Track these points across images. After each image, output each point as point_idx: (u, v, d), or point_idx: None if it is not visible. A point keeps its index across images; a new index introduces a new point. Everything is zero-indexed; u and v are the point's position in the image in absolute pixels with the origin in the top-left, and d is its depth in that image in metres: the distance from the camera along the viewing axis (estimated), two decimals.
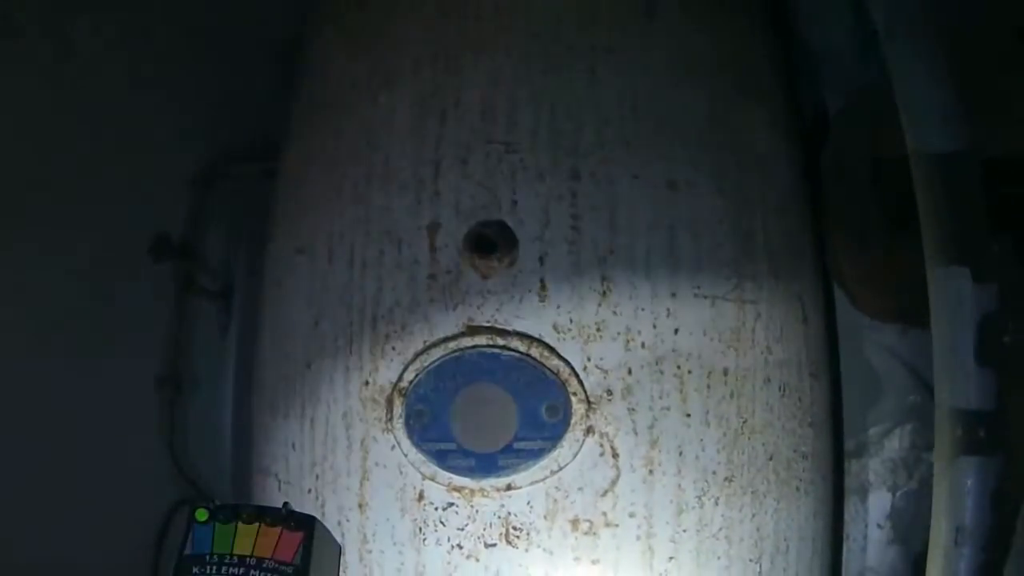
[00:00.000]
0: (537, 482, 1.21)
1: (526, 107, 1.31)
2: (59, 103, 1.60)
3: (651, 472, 1.22)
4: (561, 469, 1.21)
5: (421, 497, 1.24)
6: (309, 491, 1.31)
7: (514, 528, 1.22)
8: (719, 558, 1.24)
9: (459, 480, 1.22)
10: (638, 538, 1.22)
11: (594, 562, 1.22)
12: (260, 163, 1.75)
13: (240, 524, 1.00)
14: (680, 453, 1.23)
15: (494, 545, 1.22)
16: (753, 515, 1.27)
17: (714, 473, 1.25)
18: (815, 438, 1.37)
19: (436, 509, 1.23)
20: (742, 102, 1.40)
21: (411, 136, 1.34)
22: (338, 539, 1.23)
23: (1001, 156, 1.35)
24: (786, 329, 1.34)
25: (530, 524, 1.22)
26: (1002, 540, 1.31)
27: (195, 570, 0.98)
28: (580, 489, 1.22)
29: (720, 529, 1.25)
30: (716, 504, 1.24)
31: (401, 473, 1.25)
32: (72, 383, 1.72)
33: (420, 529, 1.24)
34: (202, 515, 1.01)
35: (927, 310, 1.42)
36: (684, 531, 1.23)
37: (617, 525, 1.22)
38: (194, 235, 1.85)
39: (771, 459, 1.29)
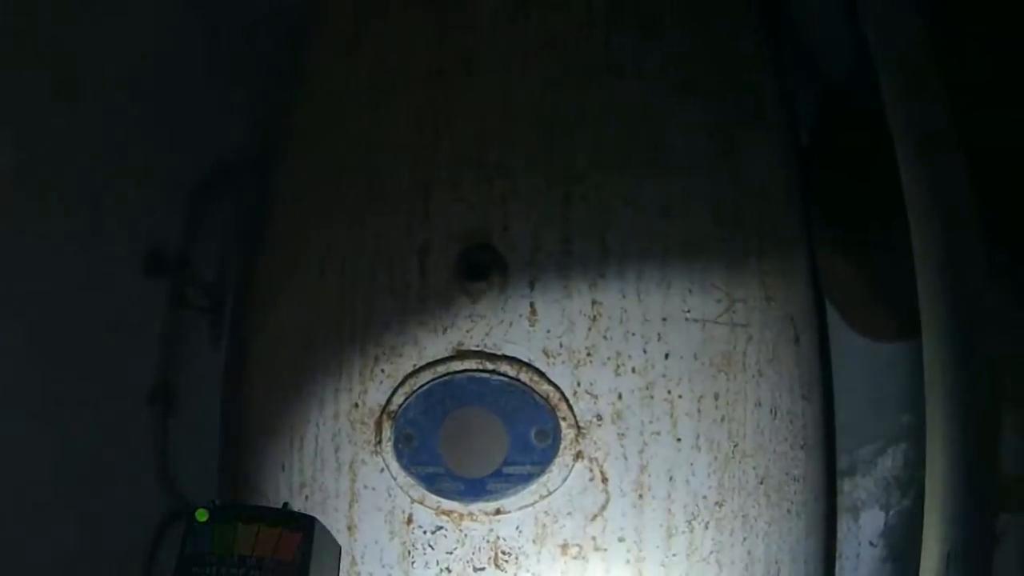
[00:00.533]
0: (526, 507, 1.21)
1: (520, 127, 1.30)
2: (55, 113, 1.59)
3: (641, 497, 1.22)
4: (550, 494, 1.21)
5: (410, 520, 1.24)
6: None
7: (503, 552, 1.21)
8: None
9: (448, 504, 1.22)
10: (628, 562, 1.21)
11: None
12: (256, 176, 1.74)
13: (240, 524, 1.01)
14: (670, 478, 1.23)
15: (483, 569, 1.22)
16: (744, 539, 1.26)
17: (704, 497, 1.24)
18: (807, 460, 1.37)
19: (425, 533, 1.23)
20: (739, 125, 1.39)
21: (404, 154, 1.33)
22: None
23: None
24: (778, 351, 1.33)
25: (519, 548, 1.21)
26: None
27: (195, 570, 0.98)
28: (569, 514, 1.21)
29: (711, 553, 1.24)
30: (706, 528, 1.24)
31: (390, 496, 1.25)
32: (64, 396, 1.72)
33: (409, 552, 1.24)
34: (202, 515, 1.02)
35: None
36: (674, 555, 1.23)
37: (606, 550, 1.21)
38: (188, 249, 1.83)
39: (762, 482, 1.28)
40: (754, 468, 1.28)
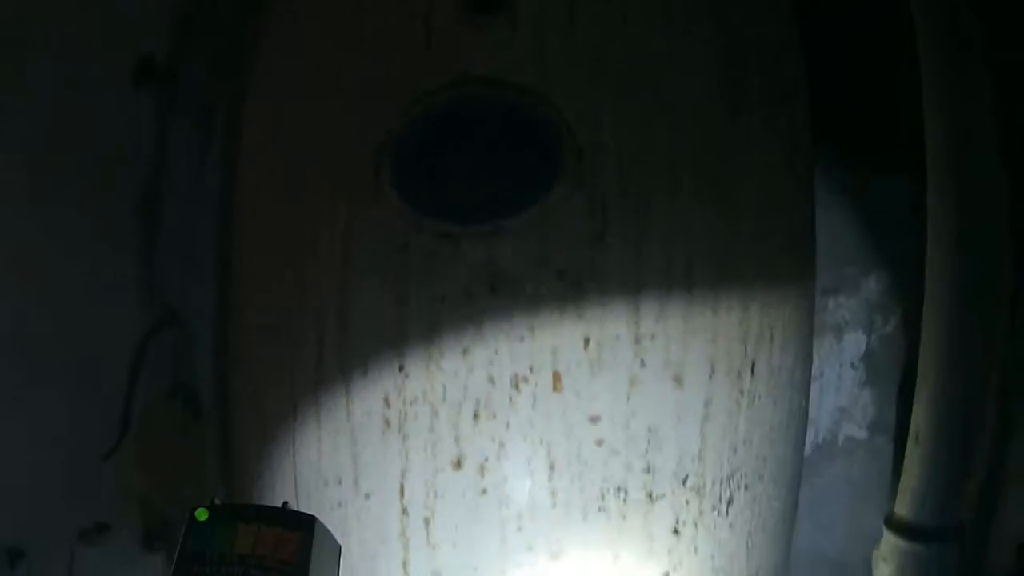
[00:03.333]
0: (524, 231, 1.20)
1: None
2: None
3: (640, 227, 1.21)
4: (549, 219, 1.20)
5: (406, 247, 1.22)
6: None
7: (499, 278, 1.20)
8: (707, 315, 1.24)
9: (445, 227, 1.20)
10: (624, 292, 1.20)
11: (579, 316, 1.20)
12: None
13: (240, 524, 1.00)
14: (668, 216, 1.22)
15: (478, 295, 1.20)
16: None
17: (703, 238, 1.24)
18: None
19: (421, 258, 1.21)
20: None
21: None
22: (319, 294, 1.22)
23: None
24: None
25: (516, 273, 1.20)
26: None
27: (195, 569, 0.97)
28: (568, 240, 1.20)
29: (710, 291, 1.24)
30: (705, 267, 1.24)
31: (386, 223, 1.23)
32: (52, 199, 1.70)
33: (404, 280, 1.22)
34: (203, 514, 1.00)
35: None
36: (670, 290, 1.22)
37: (603, 277, 1.20)
38: (176, 56, 1.81)
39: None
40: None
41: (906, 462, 1.55)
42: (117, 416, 1.86)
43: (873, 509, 1.79)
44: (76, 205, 1.72)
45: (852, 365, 1.79)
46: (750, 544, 1.38)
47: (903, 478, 1.57)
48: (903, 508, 1.55)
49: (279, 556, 0.98)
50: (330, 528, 1.30)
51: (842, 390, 1.79)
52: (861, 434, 1.81)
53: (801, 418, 1.47)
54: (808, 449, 1.78)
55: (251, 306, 1.38)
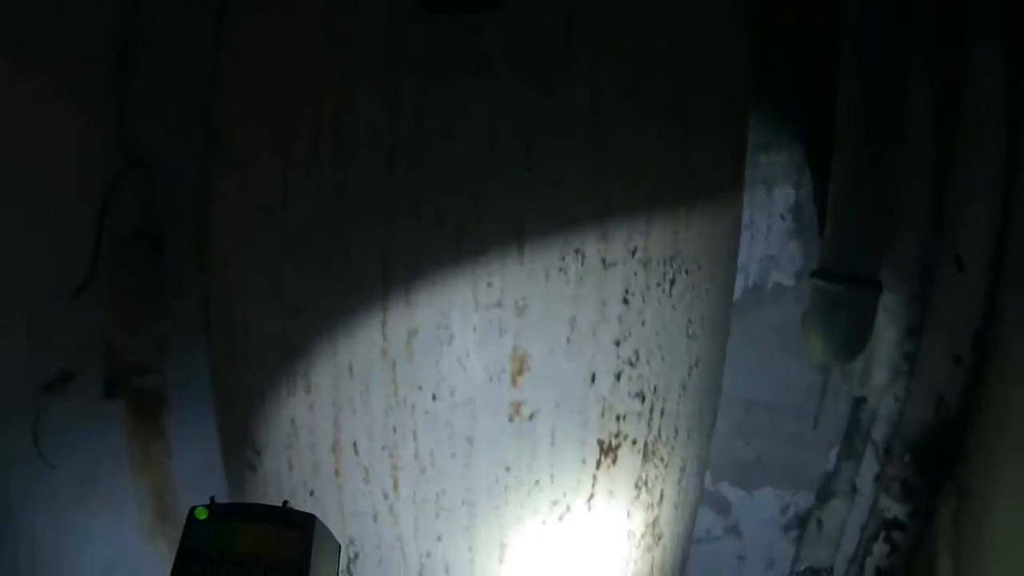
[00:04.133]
0: (505, 23, 1.38)
1: None
2: None
3: (604, 27, 1.41)
4: (527, 14, 1.39)
5: (403, 34, 1.39)
6: None
7: (481, 60, 1.38)
8: (656, 118, 1.45)
9: (438, 16, 1.38)
10: (588, 81, 1.40)
11: (548, 95, 1.40)
12: None
13: (240, 523, 1.01)
14: (631, 29, 1.43)
15: (463, 74, 1.38)
16: None
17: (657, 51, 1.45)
18: None
19: (415, 41, 1.39)
20: None
21: None
22: (319, 79, 1.39)
23: None
24: None
25: (496, 57, 1.38)
26: None
27: (195, 567, 0.98)
28: (540, 33, 1.40)
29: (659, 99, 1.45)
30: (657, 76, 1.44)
31: (385, 11, 1.40)
32: (25, 52, 1.79)
33: (400, 61, 1.39)
34: (202, 513, 1.01)
35: None
36: (628, 91, 1.43)
37: (570, 69, 1.40)
38: None
39: None
40: None
41: (826, 224, 1.75)
42: (85, 257, 1.93)
43: (797, 353, 2.00)
44: (51, 48, 1.82)
45: (781, 216, 2.00)
46: (690, 332, 1.58)
47: (823, 238, 1.78)
48: (823, 257, 1.77)
49: (279, 555, 0.99)
50: (314, 295, 1.46)
51: (771, 239, 2.00)
52: (788, 281, 2.02)
53: (733, 233, 1.68)
54: (738, 294, 2.00)
55: (247, 99, 1.54)
